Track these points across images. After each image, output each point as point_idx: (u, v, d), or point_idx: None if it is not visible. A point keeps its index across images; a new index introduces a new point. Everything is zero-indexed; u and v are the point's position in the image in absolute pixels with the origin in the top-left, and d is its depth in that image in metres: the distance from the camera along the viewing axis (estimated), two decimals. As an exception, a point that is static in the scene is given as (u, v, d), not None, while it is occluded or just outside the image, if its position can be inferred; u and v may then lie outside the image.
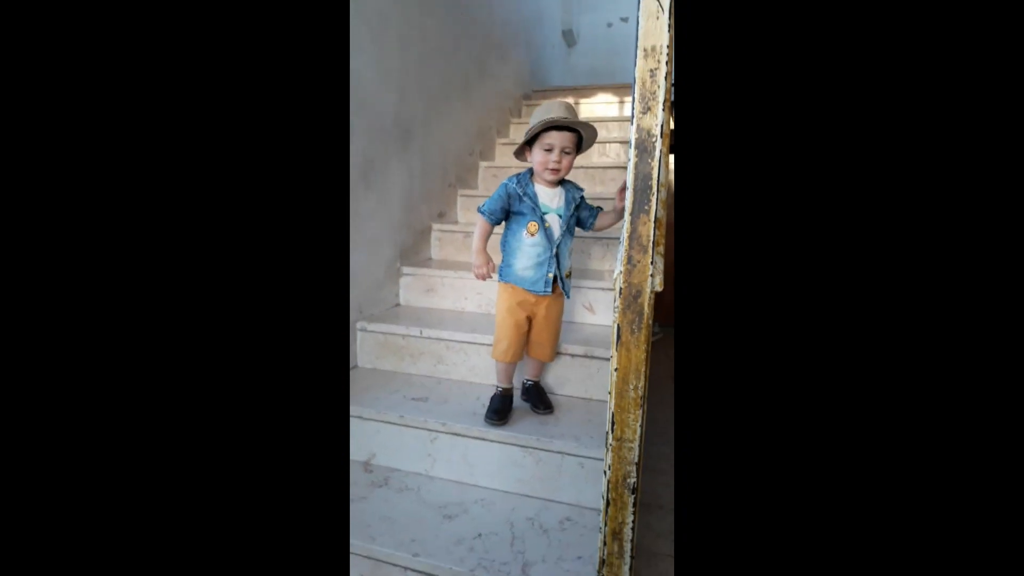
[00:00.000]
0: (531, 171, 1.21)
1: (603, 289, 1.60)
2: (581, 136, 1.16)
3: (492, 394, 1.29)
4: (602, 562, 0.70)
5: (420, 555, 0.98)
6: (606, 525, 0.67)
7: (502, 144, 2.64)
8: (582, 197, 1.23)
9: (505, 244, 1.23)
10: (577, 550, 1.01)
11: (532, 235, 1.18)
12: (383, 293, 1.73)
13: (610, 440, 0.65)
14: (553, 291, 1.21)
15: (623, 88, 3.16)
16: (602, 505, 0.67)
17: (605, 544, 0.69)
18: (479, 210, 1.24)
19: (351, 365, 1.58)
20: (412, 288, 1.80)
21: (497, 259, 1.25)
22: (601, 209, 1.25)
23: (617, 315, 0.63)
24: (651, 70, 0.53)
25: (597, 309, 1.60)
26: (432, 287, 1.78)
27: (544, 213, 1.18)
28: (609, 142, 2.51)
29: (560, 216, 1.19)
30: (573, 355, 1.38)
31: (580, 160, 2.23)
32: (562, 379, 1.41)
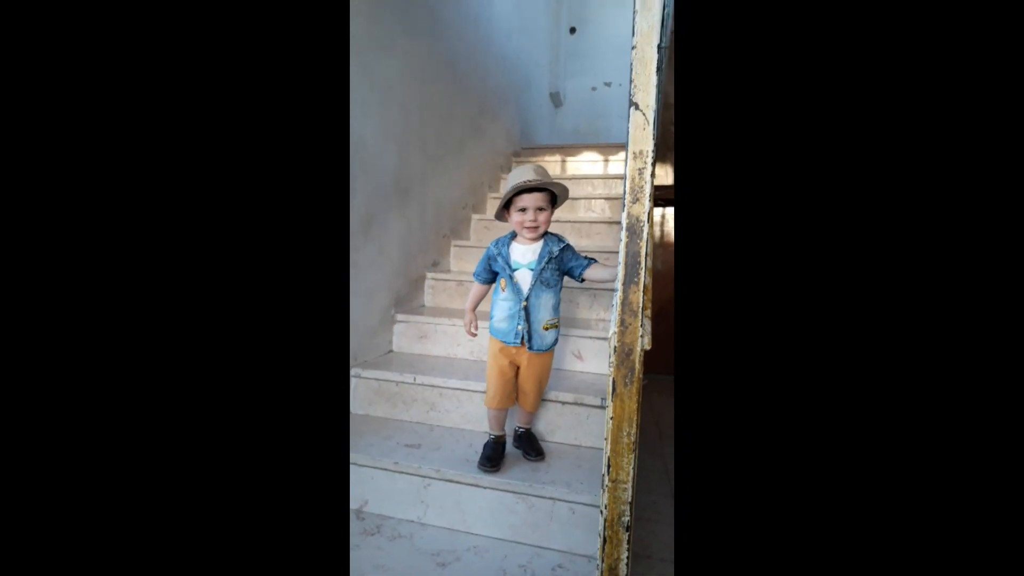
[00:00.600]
0: (514, 232, 1.30)
1: (591, 337, 1.67)
2: (554, 191, 1.24)
3: (485, 441, 1.33)
4: (598, 600, 0.75)
5: (415, 603, 1.00)
6: (603, 562, 0.72)
7: (493, 198, 2.79)
8: (562, 248, 1.25)
9: (491, 300, 1.33)
10: (569, 596, 1.03)
11: (503, 290, 1.28)
12: (377, 340, 1.78)
13: (606, 481, 0.72)
14: (522, 344, 1.25)
15: (607, 147, 3.38)
16: (599, 543, 0.73)
17: (601, 582, 0.74)
18: (473, 274, 1.37)
19: (345, 411, 1.61)
20: (405, 335, 1.86)
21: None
22: (594, 261, 1.28)
23: (612, 370, 0.71)
24: (639, 169, 0.66)
25: (586, 357, 1.67)
26: (425, 334, 1.84)
27: (514, 270, 1.26)
28: (594, 198, 2.68)
29: (531, 270, 1.25)
30: (563, 403, 1.44)
31: (568, 215, 2.41)
32: (553, 426, 1.46)
